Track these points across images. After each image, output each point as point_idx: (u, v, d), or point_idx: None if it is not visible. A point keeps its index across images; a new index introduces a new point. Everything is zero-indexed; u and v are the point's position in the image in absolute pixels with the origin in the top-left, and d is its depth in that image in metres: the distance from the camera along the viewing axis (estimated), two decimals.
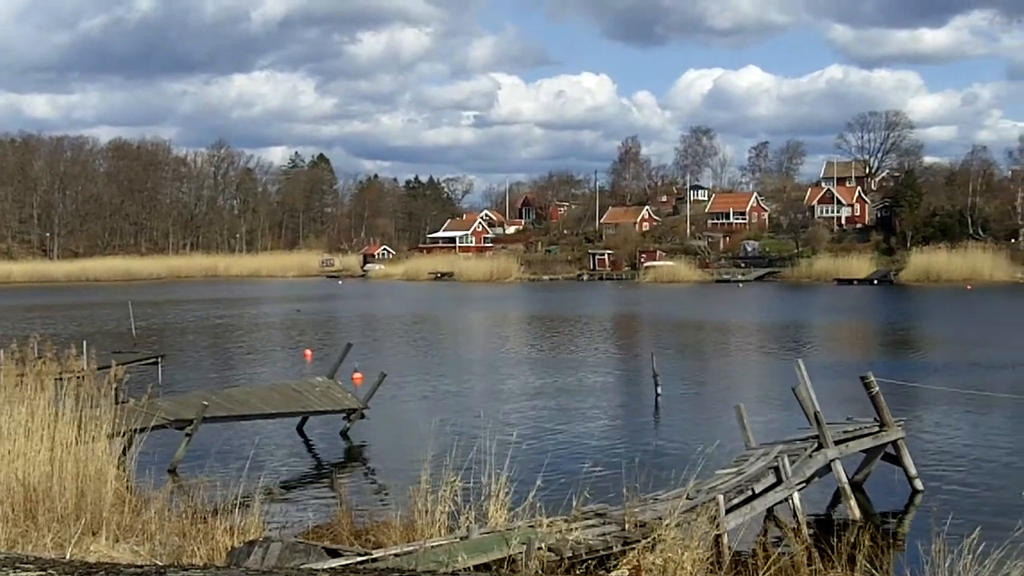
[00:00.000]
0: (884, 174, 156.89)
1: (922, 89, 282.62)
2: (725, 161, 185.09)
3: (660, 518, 14.75)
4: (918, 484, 21.76)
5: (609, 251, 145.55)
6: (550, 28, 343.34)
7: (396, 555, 12.56)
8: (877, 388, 21.75)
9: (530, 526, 14.07)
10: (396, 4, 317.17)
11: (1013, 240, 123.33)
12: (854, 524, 18.36)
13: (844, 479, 20.33)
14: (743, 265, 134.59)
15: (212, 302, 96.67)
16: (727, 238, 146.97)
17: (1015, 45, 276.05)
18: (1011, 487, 21.89)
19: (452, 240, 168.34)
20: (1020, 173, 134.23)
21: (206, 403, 25.36)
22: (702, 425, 29.33)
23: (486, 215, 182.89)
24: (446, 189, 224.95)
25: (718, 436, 21.59)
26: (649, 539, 14.21)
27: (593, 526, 14.85)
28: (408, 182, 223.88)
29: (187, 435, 24.44)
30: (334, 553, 12.55)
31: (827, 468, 20.24)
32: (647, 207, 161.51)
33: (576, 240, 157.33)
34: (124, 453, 18.25)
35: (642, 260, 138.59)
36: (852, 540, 14.63)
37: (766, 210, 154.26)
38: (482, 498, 15.19)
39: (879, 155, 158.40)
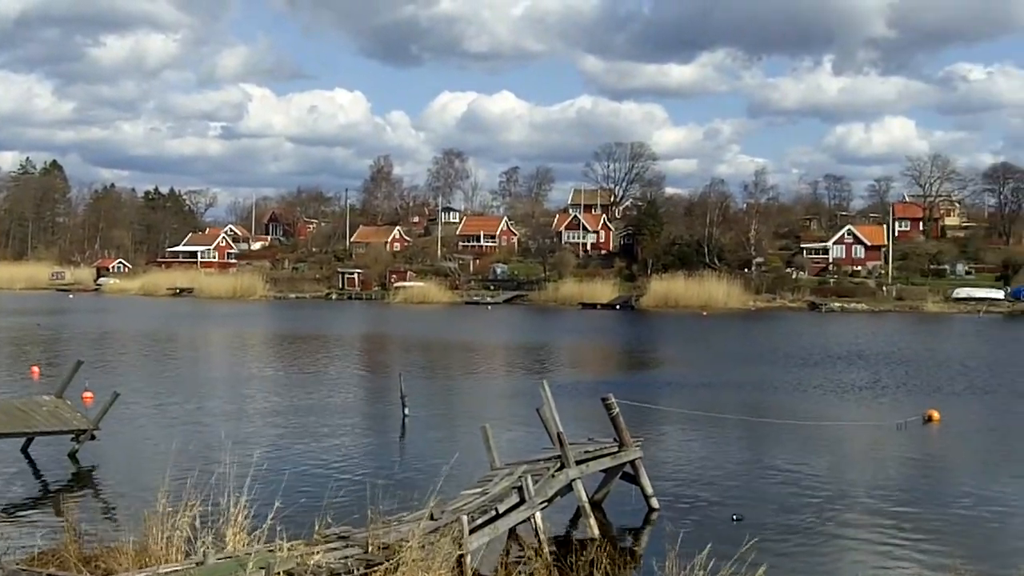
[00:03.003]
0: (628, 203, 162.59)
1: (667, 122, 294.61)
2: (477, 184, 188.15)
3: (404, 540, 14.62)
4: (654, 503, 22.44)
5: (359, 270, 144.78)
6: (305, 42, 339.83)
7: None
8: (617, 410, 22.32)
9: (269, 550, 13.70)
10: (144, 8, 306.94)
11: (747, 270, 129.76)
12: (593, 542, 18.70)
13: (584, 498, 20.73)
14: (492, 287, 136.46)
15: None
16: (477, 260, 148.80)
17: (755, 84, 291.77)
18: (739, 505, 22.87)
19: (193, 255, 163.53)
20: (755, 206, 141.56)
21: None
22: (448, 445, 29.34)
23: (230, 230, 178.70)
24: (188, 202, 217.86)
25: (464, 456, 21.71)
26: (392, 561, 14.07)
27: (335, 549, 14.59)
28: (148, 193, 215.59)
29: None
30: None
31: (569, 487, 20.59)
32: (398, 227, 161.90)
33: (325, 258, 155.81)
34: None
35: (392, 280, 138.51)
36: (591, 558, 14.90)
37: (516, 234, 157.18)
38: (220, 522, 14.70)
39: (624, 184, 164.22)
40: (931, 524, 21.52)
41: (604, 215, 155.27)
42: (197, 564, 13.02)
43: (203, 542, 13.59)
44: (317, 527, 15.09)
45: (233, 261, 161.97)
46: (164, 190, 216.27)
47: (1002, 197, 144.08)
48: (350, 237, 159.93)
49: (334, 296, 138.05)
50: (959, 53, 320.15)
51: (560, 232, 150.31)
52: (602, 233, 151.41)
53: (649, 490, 22.63)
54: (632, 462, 22.65)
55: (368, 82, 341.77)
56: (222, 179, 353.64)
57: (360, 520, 16.01)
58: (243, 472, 15.59)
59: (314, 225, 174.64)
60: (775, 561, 16.65)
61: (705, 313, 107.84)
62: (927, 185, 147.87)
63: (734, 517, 21.33)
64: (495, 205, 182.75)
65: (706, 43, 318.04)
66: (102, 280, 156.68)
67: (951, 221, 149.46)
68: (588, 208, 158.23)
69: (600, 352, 67.37)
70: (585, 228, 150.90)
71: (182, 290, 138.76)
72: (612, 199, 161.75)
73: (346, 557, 14.35)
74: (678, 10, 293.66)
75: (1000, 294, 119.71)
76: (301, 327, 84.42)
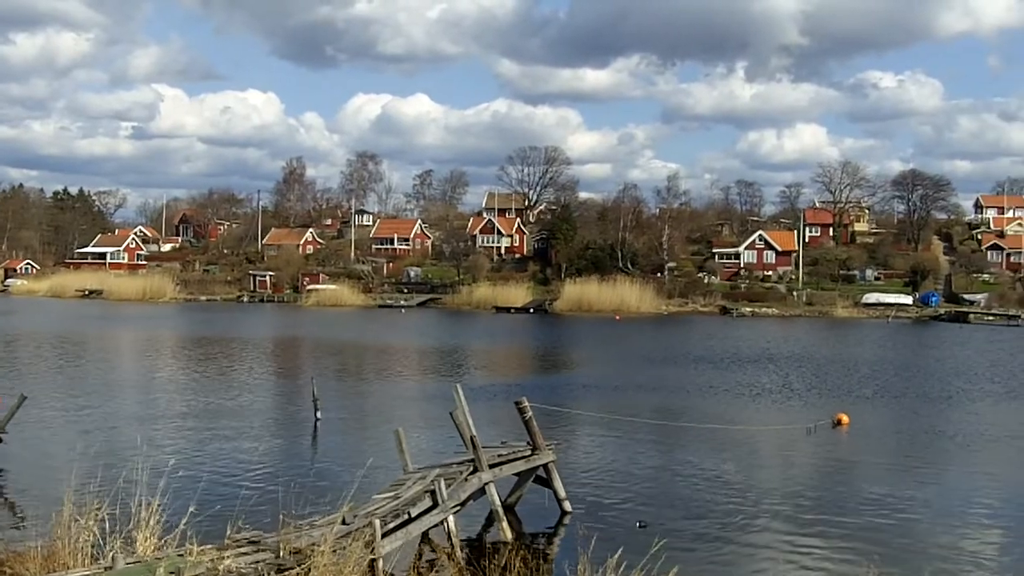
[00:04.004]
0: (542, 207, 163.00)
1: (582, 127, 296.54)
2: (391, 187, 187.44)
3: (315, 544, 14.55)
4: (567, 506, 22.57)
5: (271, 273, 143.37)
6: (218, 42, 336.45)
7: None
8: (530, 413, 22.40)
9: (179, 555, 13.54)
10: (55, 6, 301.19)
11: (659, 274, 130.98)
12: (506, 546, 18.76)
13: (497, 502, 20.79)
14: (406, 291, 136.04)
15: None
16: (391, 263, 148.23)
17: (669, 89, 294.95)
18: (652, 509, 23.10)
19: (102, 256, 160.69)
20: (667, 211, 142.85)
21: None
22: (361, 449, 29.27)
23: (140, 231, 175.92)
24: (97, 202, 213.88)
25: (377, 460, 21.64)
26: (303, 566, 13.99)
27: (246, 554, 14.45)
28: (57, 193, 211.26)
29: None
30: None
31: (482, 491, 20.64)
32: (311, 230, 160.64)
33: (237, 260, 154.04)
34: None
35: (305, 283, 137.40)
36: (504, 562, 14.96)
37: (430, 237, 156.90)
38: (130, 526, 14.50)
39: (538, 188, 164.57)
40: (840, 528, 21.91)
41: (518, 219, 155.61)
42: (106, 569, 12.83)
43: (112, 546, 13.40)
44: (228, 531, 14.94)
45: (143, 263, 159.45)
46: (73, 191, 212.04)
47: (911, 204, 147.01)
48: (262, 239, 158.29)
49: (245, 298, 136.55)
50: (870, 61, 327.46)
51: (474, 236, 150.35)
52: (516, 237, 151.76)
53: (562, 493, 22.76)
54: (545, 465, 22.75)
55: (282, 83, 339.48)
56: (133, 180, 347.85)
57: (272, 524, 15.90)
58: (154, 475, 15.40)
59: (225, 227, 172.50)
60: (686, 564, 16.84)
61: (618, 317, 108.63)
62: (837, 191, 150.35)
63: (639, 523, 21.42)
64: (409, 208, 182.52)
65: (621, 48, 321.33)
66: (9, 281, 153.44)
67: (860, 227, 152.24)
68: (502, 212, 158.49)
69: (514, 355, 67.54)
70: (499, 232, 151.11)
71: (91, 292, 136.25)
72: (526, 203, 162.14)
73: (257, 562, 14.23)
74: (593, 15, 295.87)
75: (908, 299, 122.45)
76: (212, 330, 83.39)
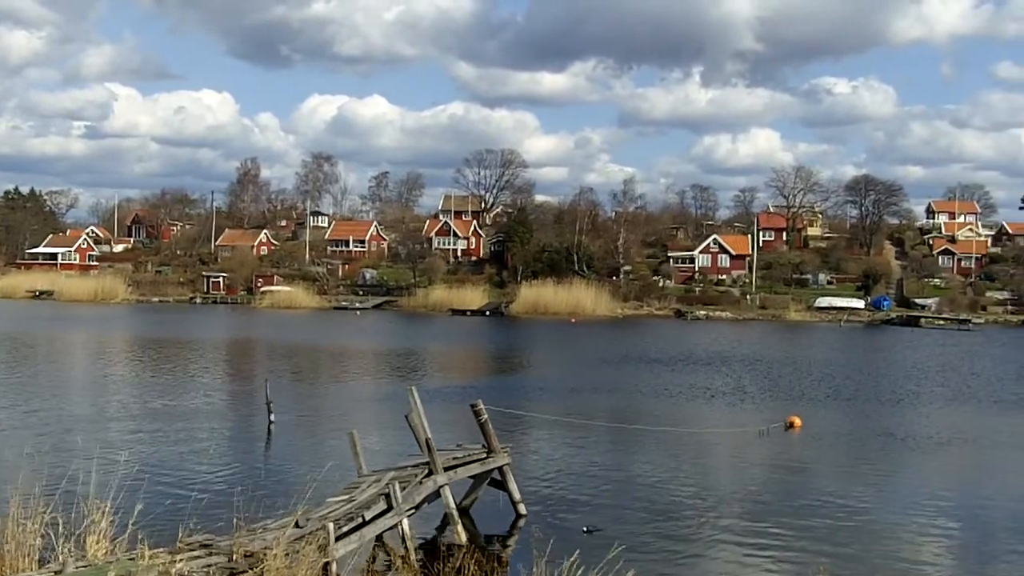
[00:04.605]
0: (499, 210, 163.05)
1: (538, 130, 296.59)
2: (346, 189, 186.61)
3: (268, 548, 14.44)
4: (522, 509, 22.57)
5: (224, 274, 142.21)
6: (173, 41, 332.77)
7: None
8: (486, 416, 22.39)
9: (130, 558, 13.40)
10: (6, 4, 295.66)
11: (615, 277, 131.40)
12: (460, 549, 18.71)
13: (452, 505, 20.74)
14: (361, 293, 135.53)
15: None
16: (346, 265, 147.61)
17: (626, 94, 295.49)
18: (605, 511, 23.15)
19: (54, 257, 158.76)
20: (623, 215, 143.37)
21: None
22: (315, 452, 29.13)
23: (92, 232, 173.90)
24: (49, 202, 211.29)
25: (331, 463, 21.55)
26: (256, 569, 13.88)
27: (198, 557, 14.32)
28: (8, 193, 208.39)
29: None
30: None
31: (437, 494, 20.59)
32: (266, 231, 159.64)
33: (190, 261, 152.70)
34: None
35: (259, 285, 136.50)
36: (458, 565, 14.94)
37: (385, 239, 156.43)
38: (81, 529, 14.32)
39: (495, 191, 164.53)
40: (792, 529, 22.06)
41: (475, 222, 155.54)
42: (56, 573, 12.66)
43: (62, 550, 13.23)
44: (180, 535, 14.81)
45: (95, 263, 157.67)
46: (25, 190, 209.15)
47: (863, 209, 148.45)
48: (215, 240, 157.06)
49: (198, 300, 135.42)
50: (825, 67, 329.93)
51: (430, 238, 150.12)
52: (472, 240, 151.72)
53: (517, 496, 22.75)
54: (500, 468, 22.74)
55: (237, 83, 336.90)
56: (85, 179, 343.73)
57: (224, 528, 15.77)
58: (105, 478, 15.24)
59: (179, 228, 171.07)
60: (642, 567, 16.87)
61: (574, 320, 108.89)
62: (791, 196, 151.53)
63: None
64: (365, 210, 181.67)
65: (578, 52, 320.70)
66: None
67: (814, 232, 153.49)
68: (459, 214, 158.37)
69: (470, 358, 67.49)
70: (455, 234, 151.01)
71: (42, 293, 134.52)
72: (483, 206, 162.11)
73: (210, 565, 14.10)
74: (551, 19, 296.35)
75: (861, 304, 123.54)
76: (165, 331, 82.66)
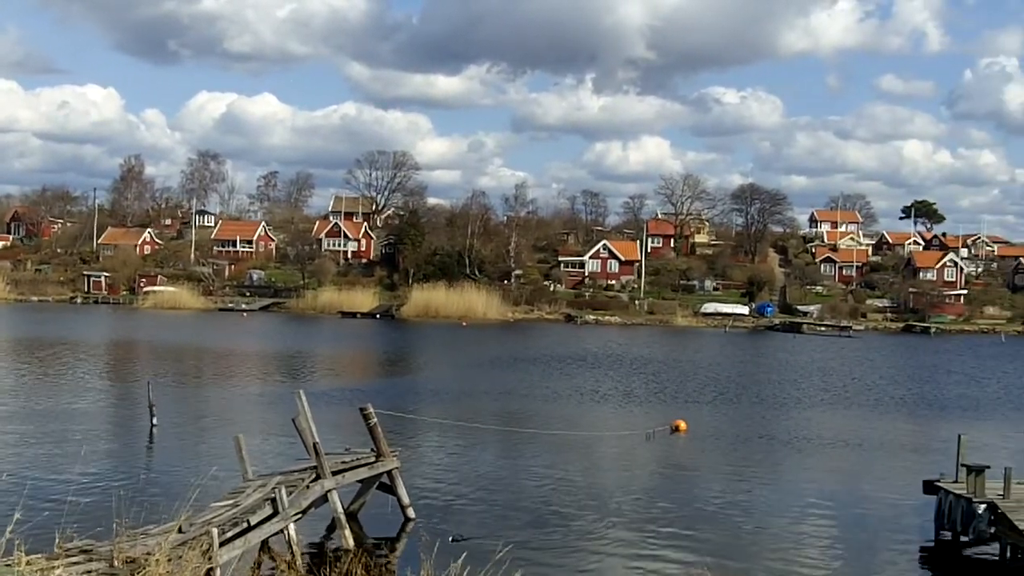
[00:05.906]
0: (390, 212, 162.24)
1: (432, 132, 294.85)
2: (234, 188, 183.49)
3: (150, 553, 14.11)
4: (410, 512, 22.47)
5: (107, 273, 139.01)
6: (57, 34, 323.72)
7: None
8: (375, 419, 22.24)
9: (7, 565, 12.96)
10: None
11: (506, 281, 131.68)
12: (348, 553, 18.54)
13: (340, 509, 20.54)
14: (248, 294, 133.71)
15: None
16: (233, 266, 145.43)
17: (519, 98, 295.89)
18: (495, 513, 23.14)
19: None
20: (515, 219, 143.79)
21: None
22: (199, 456, 28.63)
23: None
24: None
25: (216, 467, 21.17)
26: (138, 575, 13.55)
27: (78, 563, 13.94)
28: None
29: None
30: None
31: (324, 498, 20.37)
32: (149, 230, 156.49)
33: (71, 260, 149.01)
34: None
35: (142, 284, 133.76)
36: (345, 569, 14.74)
37: (274, 240, 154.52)
38: None
39: (386, 193, 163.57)
40: (677, 531, 22.33)
41: (366, 223, 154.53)
42: None
43: None
44: (58, 540, 14.39)
45: None
46: None
47: (749, 217, 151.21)
48: (97, 239, 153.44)
49: (79, 300, 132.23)
50: (714, 77, 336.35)
51: (320, 239, 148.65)
52: (363, 241, 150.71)
53: (406, 500, 22.64)
54: (389, 472, 22.61)
55: (123, 78, 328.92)
56: None
57: (105, 533, 15.35)
58: None
59: (59, 225, 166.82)
60: (529, 569, 16.89)
61: (465, 323, 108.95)
62: (679, 204, 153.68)
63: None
64: (253, 210, 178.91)
65: (472, 56, 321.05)
66: None
67: (701, 239, 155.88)
68: (349, 216, 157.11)
69: (359, 361, 67.05)
70: (346, 236, 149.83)
71: None
72: (374, 207, 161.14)
73: (90, 571, 13.76)
74: (445, 22, 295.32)
75: (745, 310, 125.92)
76: (43, 331, 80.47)
